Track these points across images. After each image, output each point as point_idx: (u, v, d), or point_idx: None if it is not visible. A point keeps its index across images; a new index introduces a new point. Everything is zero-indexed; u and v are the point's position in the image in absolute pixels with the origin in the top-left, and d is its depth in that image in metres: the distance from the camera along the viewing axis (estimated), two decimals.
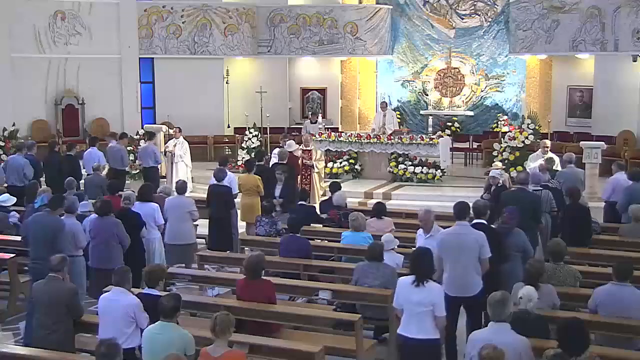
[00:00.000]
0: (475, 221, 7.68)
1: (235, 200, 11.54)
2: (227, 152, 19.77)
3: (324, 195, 13.25)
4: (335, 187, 11.09)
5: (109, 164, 14.04)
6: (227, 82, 20.37)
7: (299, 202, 10.95)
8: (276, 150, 13.91)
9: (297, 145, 14.23)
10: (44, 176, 13.29)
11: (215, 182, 11.11)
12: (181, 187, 10.50)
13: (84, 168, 13.60)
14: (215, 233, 10.77)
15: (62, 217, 8.58)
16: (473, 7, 21.02)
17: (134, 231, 9.07)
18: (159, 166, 14.82)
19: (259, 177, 11.66)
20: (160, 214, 9.84)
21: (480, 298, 6.95)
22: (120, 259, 8.66)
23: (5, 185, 12.45)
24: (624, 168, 11.58)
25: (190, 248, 10.27)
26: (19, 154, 12.96)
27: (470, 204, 7.80)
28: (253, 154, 15.77)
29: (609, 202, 11.16)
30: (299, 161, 13.83)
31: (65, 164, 13.20)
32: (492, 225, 8.02)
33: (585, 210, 9.85)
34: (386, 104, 17.80)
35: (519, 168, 14.41)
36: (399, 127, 17.87)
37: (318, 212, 10.95)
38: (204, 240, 11.43)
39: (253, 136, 17.40)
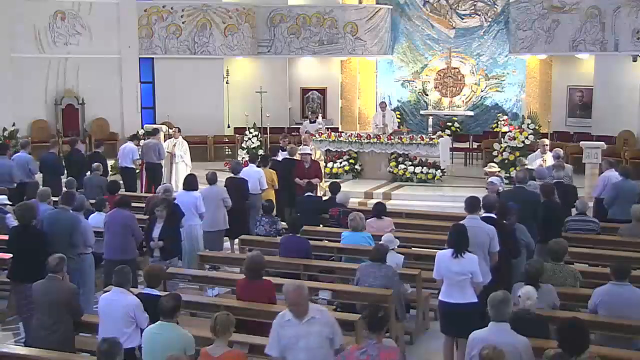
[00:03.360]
0: (484, 215, 7.83)
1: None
2: (227, 152, 19.81)
3: (324, 195, 13.24)
4: (335, 187, 11.14)
5: (144, 158, 14.36)
6: (227, 82, 20.38)
7: (307, 194, 11.19)
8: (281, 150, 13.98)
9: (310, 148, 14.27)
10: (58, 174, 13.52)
11: (232, 175, 11.53)
12: (212, 178, 10.90)
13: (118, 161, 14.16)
14: (232, 222, 10.98)
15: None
16: (473, 7, 21.05)
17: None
18: (162, 162, 14.92)
19: (274, 171, 12.08)
20: (202, 203, 10.19)
21: (491, 287, 6.95)
22: (134, 251, 9.00)
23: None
24: (615, 165, 11.57)
25: (222, 234, 10.88)
26: (23, 152, 13.30)
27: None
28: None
29: (599, 198, 11.15)
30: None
31: (92, 161, 13.37)
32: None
33: (557, 208, 9.64)
34: (385, 104, 17.79)
35: (519, 168, 14.38)
36: (399, 127, 17.86)
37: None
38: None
39: (253, 136, 17.39)
